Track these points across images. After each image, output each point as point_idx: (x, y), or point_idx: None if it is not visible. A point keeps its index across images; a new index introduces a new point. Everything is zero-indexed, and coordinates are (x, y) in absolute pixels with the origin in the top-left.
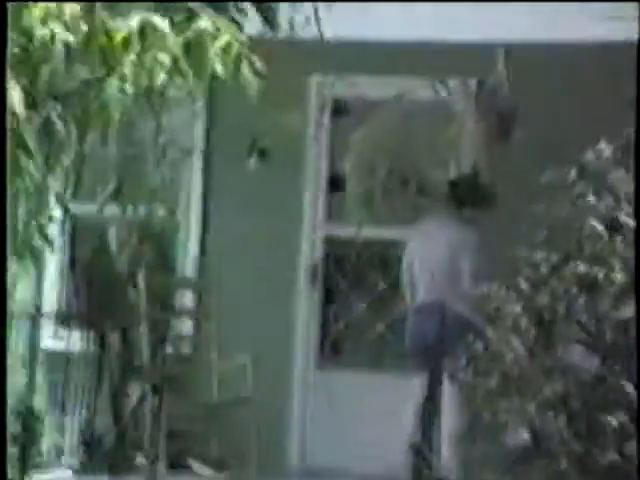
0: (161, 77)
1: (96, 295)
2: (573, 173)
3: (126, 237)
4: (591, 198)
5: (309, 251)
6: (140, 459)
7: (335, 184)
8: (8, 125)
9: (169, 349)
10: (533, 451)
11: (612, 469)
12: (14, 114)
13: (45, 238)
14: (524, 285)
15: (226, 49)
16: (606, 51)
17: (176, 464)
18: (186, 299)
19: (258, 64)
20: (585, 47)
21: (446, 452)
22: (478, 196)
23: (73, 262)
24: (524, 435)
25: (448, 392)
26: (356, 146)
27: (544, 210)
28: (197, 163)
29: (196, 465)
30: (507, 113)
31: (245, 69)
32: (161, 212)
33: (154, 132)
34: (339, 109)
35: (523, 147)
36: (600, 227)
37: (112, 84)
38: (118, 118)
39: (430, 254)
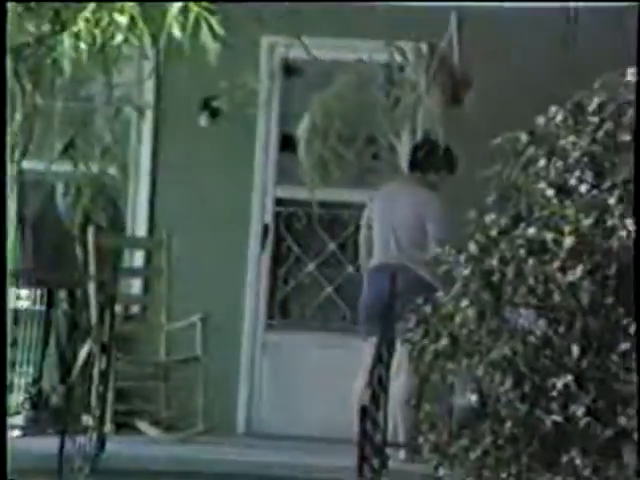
0: (117, 37)
1: (44, 253)
2: (524, 137)
3: (76, 194)
4: (541, 162)
5: (260, 212)
6: (87, 419)
7: (286, 144)
8: None
9: (118, 308)
10: (480, 413)
11: (557, 431)
12: None
13: None
14: (474, 248)
15: (184, 12)
16: (557, 19)
17: (124, 424)
18: (136, 258)
19: (216, 27)
20: (538, 14)
21: (395, 414)
22: (442, 160)
23: (21, 219)
24: (471, 397)
25: (398, 354)
26: (311, 110)
27: (495, 174)
28: (147, 121)
29: (143, 425)
30: (459, 77)
31: (204, 33)
32: (112, 170)
33: (106, 89)
34: (291, 70)
35: (475, 111)
36: (550, 191)
37: (65, 40)
38: (70, 73)
39: (395, 216)
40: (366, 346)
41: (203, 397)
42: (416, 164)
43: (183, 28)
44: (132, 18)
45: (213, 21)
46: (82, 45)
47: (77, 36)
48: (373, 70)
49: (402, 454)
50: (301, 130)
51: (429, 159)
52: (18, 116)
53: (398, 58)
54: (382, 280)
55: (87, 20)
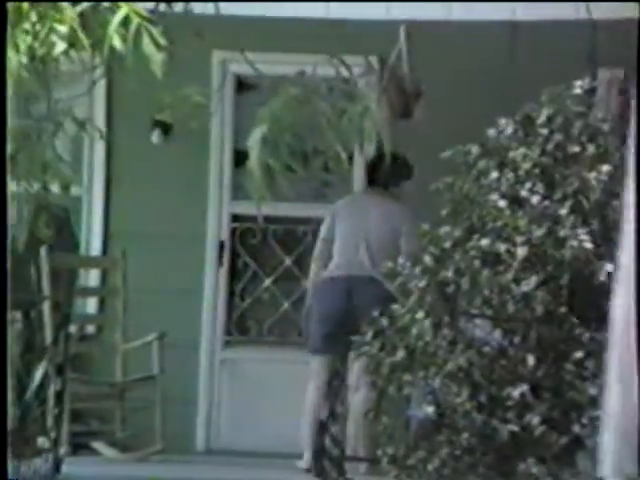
0: (58, 47)
1: None
2: (475, 150)
3: (18, 212)
4: (493, 174)
5: (215, 228)
6: (43, 441)
7: (240, 160)
8: None
9: (73, 328)
10: (437, 424)
11: (513, 440)
12: None
13: None
14: (428, 260)
15: (125, 22)
16: (509, 30)
17: (80, 445)
18: (90, 278)
19: (159, 38)
20: (487, 25)
21: (352, 427)
22: (402, 171)
23: None
24: (428, 408)
25: (355, 367)
26: (257, 122)
27: (447, 186)
28: (99, 138)
29: (100, 446)
30: (410, 90)
31: (146, 43)
32: (55, 187)
33: (48, 104)
34: (242, 85)
35: (425, 124)
36: (502, 203)
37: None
38: (11, 88)
39: (368, 229)
40: (317, 359)
41: (161, 416)
42: (377, 177)
43: (124, 39)
44: (72, 28)
45: (154, 32)
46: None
47: (16, 48)
48: (316, 82)
49: (362, 467)
50: (251, 141)
51: (391, 171)
52: None
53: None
54: (343, 292)
55: (26, 32)
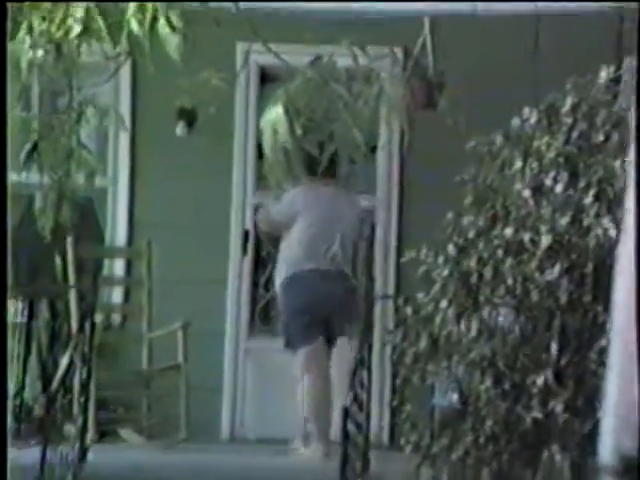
0: (74, 30)
1: (24, 264)
2: (499, 139)
3: (42, 201)
4: (517, 164)
5: (239, 217)
6: (70, 428)
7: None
8: None
9: (98, 318)
10: (461, 412)
11: (537, 427)
12: None
13: None
14: (452, 250)
15: (141, 7)
16: (529, 21)
17: (106, 433)
18: (116, 267)
19: (175, 21)
20: (510, 17)
21: (377, 415)
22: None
23: None
24: (452, 397)
25: (378, 356)
26: (272, 103)
27: (471, 176)
28: (122, 128)
29: (126, 433)
30: (433, 81)
31: (162, 25)
32: (81, 177)
33: (70, 94)
34: (266, 77)
35: (450, 114)
36: (526, 192)
37: (22, 40)
38: (26, 75)
39: (342, 222)
40: (346, 348)
41: (186, 404)
42: (334, 169)
43: (141, 23)
44: (87, 12)
45: (171, 14)
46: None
47: (30, 30)
48: (333, 67)
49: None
50: (264, 122)
51: (335, 159)
52: None
53: (363, 60)
54: (319, 285)
55: (43, 18)
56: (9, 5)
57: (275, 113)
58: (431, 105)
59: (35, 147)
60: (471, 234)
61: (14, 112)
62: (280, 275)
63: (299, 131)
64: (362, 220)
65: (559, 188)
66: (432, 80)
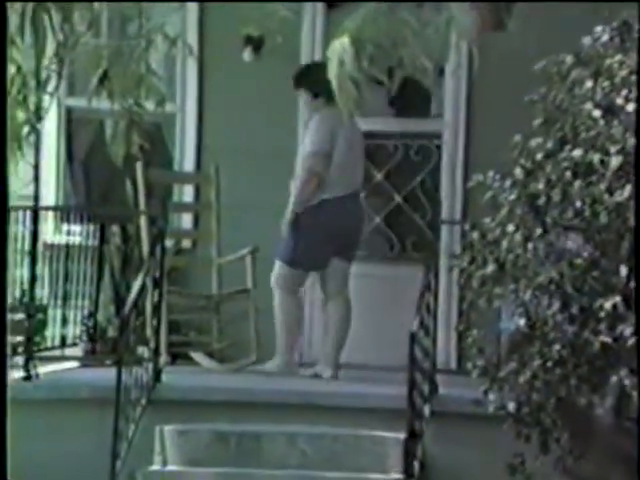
0: None
1: (94, 189)
2: (569, 59)
3: (115, 130)
4: (587, 83)
5: None
6: (143, 350)
7: None
8: None
9: (169, 243)
10: (528, 336)
11: (605, 351)
12: None
13: (32, 128)
14: (519, 173)
15: None
16: None
17: (179, 355)
18: (185, 193)
19: None
20: None
21: (443, 340)
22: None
23: (70, 156)
24: (519, 321)
25: (444, 280)
26: (339, 34)
27: (540, 97)
28: (189, 55)
29: (198, 356)
30: (502, 2)
31: None
32: (150, 103)
33: (139, 22)
34: (334, 2)
35: (519, 35)
36: (596, 112)
37: None
38: (99, 4)
39: (360, 146)
40: (412, 273)
41: (255, 328)
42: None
43: None
44: None
45: None
46: None
47: None
48: None
49: (327, 371)
50: (331, 51)
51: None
52: (49, 51)
53: None
54: (356, 208)
55: None
56: None
57: (340, 44)
58: (500, 26)
59: (105, 74)
60: (539, 156)
61: (85, 39)
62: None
63: (365, 62)
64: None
65: (630, 107)
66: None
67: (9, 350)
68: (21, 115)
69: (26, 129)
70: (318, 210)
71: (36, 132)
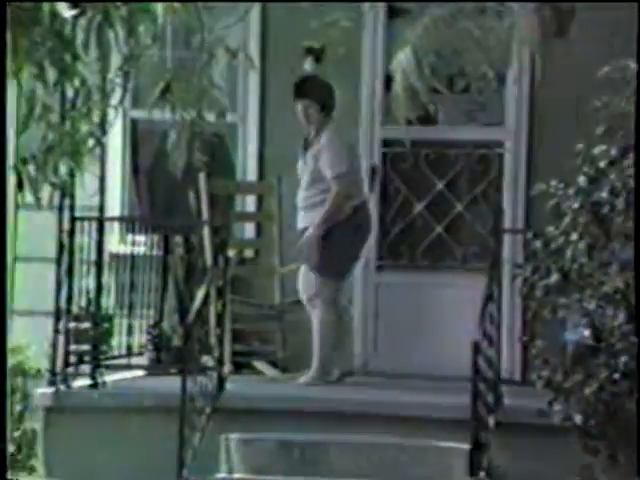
0: None
1: (158, 199)
2: (633, 65)
3: (177, 142)
4: None
5: (367, 153)
6: (207, 359)
7: (391, 85)
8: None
9: (231, 252)
10: (593, 348)
11: None
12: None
13: (97, 141)
14: (582, 180)
15: None
16: None
17: (242, 364)
18: (247, 203)
19: None
20: None
21: (507, 350)
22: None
23: (135, 167)
24: (584, 331)
25: (507, 290)
26: (402, 45)
27: (603, 104)
28: (253, 68)
29: (262, 366)
30: (564, 7)
31: None
32: (211, 115)
33: (201, 35)
34: (394, 11)
35: (582, 42)
36: None
37: None
38: (163, 19)
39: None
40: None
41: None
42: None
43: None
44: None
45: None
46: None
47: None
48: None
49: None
50: (395, 65)
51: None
52: (113, 64)
53: None
54: (369, 214)
55: None
56: None
57: (404, 54)
58: (562, 33)
59: (168, 87)
60: (602, 164)
61: (148, 52)
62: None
63: (427, 70)
64: None
65: None
66: (562, 6)
67: (75, 358)
68: (85, 128)
69: (91, 142)
70: (350, 217)
71: (101, 145)
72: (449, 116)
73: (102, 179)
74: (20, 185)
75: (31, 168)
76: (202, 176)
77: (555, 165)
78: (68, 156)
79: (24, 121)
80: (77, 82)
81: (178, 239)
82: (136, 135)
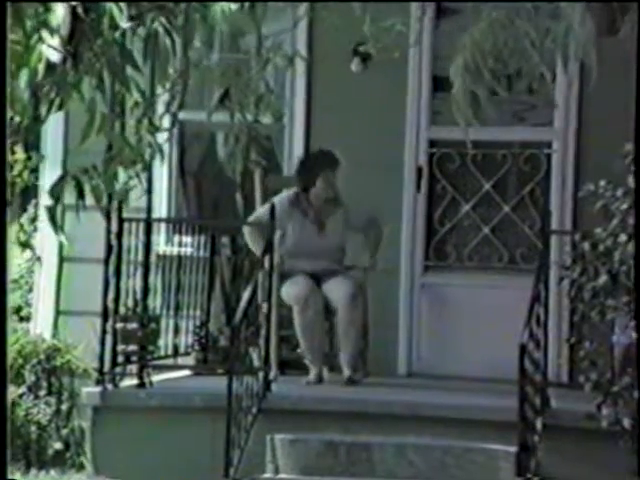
0: None
1: (205, 200)
2: None
3: (234, 143)
4: None
5: (413, 153)
6: (254, 359)
7: (438, 85)
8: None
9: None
10: None
11: None
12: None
13: (159, 150)
14: (631, 181)
15: None
16: None
17: (289, 365)
18: None
19: None
20: None
21: (554, 352)
22: None
23: (183, 169)
24: (633, 334)
25: (554, 292)
26: (459, 50)
27: None
28: (300, 69)
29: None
30: (616, 5)
31: None
32: (267, 118)
33: (257, 40)
34: (442, 11)
35: (632, 40)
36: None
37: None
38: (220, 27)
39: None
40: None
41: (364, 340)
42: None
43: None
44: None
45: None
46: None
47: None
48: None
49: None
50: (454, 70)
51: None
52: (171, 71)
53: None
54: None
55: None
56: None
57: (462, 59)
58: (614, 31)
59: (227, 93)
60: None
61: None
62: None
63: (487, 75)
64: None
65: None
66: (614, 4)
67: (123, 358)
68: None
69: (148, 151)
70: None
71: (162, 154)
72: (498, 116)
73: (150, 180)
74: (81, 194)
75: (92, 177)
76: (258, 174)
77: (604, 166)
78: (129, 166)
79: (85, 132)
80: (136, 92)
81: (225, 240)
82: (183, 136)
